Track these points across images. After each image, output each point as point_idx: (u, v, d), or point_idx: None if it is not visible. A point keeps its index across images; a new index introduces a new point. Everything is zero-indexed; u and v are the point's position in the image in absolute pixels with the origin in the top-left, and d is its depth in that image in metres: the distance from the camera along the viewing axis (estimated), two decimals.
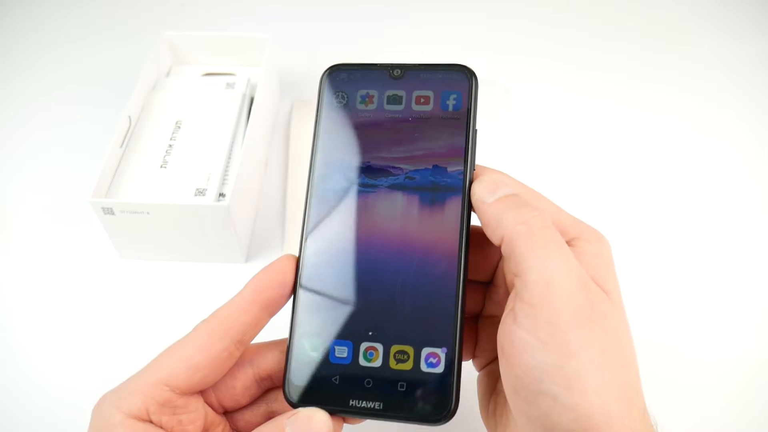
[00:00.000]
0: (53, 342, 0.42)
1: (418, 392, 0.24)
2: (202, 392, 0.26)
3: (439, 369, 0.25)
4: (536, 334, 0.22)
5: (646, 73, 0.61)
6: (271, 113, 0.55)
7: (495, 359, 0.29)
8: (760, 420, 0.38)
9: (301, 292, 0.26)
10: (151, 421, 0.24)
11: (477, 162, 0.27)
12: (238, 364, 0.27)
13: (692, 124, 0.56)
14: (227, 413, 0.28)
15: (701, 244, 0.47)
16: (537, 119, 0.56)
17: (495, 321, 0.26)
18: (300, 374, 0.25)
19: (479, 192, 0.25)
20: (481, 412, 0.30)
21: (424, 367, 0.25)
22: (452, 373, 0.24)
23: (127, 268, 0.46)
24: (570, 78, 0.60)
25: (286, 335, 0.27)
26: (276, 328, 0.28)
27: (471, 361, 0.31)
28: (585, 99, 0.58)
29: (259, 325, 0.26)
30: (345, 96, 0.28)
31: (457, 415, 0.25)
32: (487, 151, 0.48)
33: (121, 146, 0.46)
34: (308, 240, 0.27)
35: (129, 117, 0.47)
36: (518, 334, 0.23)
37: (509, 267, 0.25)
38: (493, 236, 0.25)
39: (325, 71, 0.29)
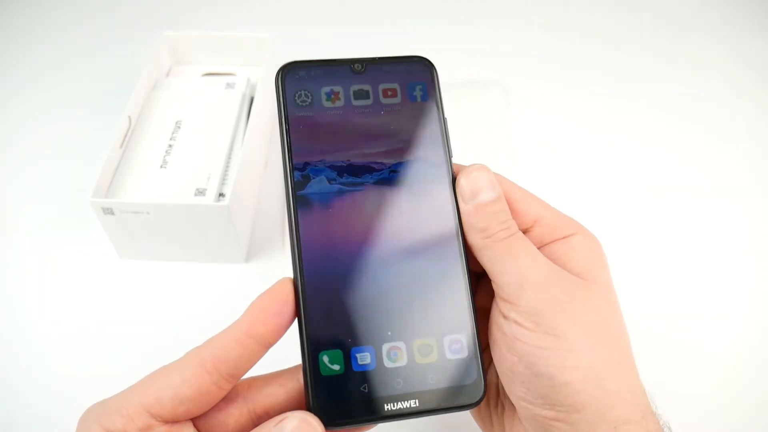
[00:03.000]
0: (52, 342, 0.42)
1: (450, 380, 0.25)
2: (193, 420, 0.25)
3: (464, 353, 0.25)
4: (524, 324, 0.24)
5: (646, 73, 0.61)
6: (271, 113, 0.55)
7: (486, 348, 0.29)
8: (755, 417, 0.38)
9: (306, 309, 0.25)
10: None
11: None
12: (230, 399, 0.25)
13: (693, 124, 0.56)
14: None
15: (701, 244, 0.47)
16: (537, 119, 0.56)
17: (487, 312, 0.27)
18: (325, 394, 0.24)
19: (460, 187, 0.26)
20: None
21: (449, 355, 0.25)
22: (477, 354, 0.25)
23: (127, 268, 0.46)
24: (570, 78, 0.60)
25: (281, 364, 0.26)
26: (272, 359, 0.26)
27: None
28: (585, 99, 0.58)
29: (253, 358, 0.24)
30: (309, 95, 0.27)
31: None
32: (487, 152, 0.48)
33: (121, 146, 0.46)
34: (304, 252, 0.25)
35: (129, 117, 0.47)
36: (508, 326, 0.25)
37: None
38: (467, 238, 0.26)
39: (279, 70, 0.27)
